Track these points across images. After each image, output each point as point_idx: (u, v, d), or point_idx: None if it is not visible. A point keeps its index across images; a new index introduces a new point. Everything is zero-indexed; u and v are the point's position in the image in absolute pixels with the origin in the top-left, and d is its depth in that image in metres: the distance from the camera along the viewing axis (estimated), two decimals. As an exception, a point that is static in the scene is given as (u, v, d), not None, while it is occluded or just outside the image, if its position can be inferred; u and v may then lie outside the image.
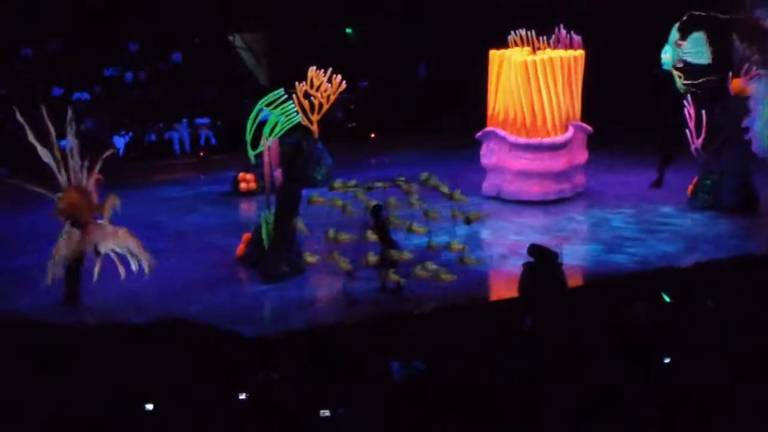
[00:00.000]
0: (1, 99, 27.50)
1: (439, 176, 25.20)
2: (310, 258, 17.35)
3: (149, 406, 9.94)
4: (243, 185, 24.05)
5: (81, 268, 16.78)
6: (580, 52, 23.32)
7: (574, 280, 17.15)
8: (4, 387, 10.75)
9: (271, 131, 19.65)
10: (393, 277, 17.03)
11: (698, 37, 22.51)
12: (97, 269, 16.53)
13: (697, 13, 22.30)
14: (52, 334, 13.03)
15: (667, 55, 22.50)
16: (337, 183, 17.56)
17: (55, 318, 15.99)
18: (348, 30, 33.74)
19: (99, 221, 16.80)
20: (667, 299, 13.04)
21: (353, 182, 17.61)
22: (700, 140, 21.76)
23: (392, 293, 17.14)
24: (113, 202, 16.89)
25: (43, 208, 17.69)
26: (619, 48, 27.34)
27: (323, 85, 24.50)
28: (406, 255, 17.19)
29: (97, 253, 16.70)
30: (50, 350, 12.13)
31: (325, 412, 9.63)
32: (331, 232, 17.10)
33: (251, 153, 21.91)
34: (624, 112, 27.31)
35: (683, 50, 22.31)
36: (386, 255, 17.09)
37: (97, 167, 17.03)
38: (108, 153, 17.59)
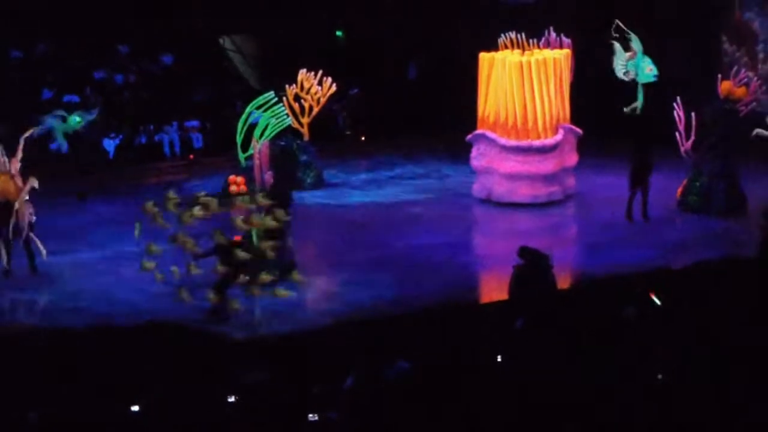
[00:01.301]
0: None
1: (430, 178, 25.51)
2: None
3: (135, 408, 9.92)
4: (233, 188, 24.00)
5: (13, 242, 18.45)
6: (566, 51, 23.37)
7: (564, 283, 17.18)
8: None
9: (262, 134, 19.65)
10: (212, 298, 16.46)
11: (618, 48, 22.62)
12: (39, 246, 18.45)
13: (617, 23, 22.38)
14: (40, 337, 13.02)
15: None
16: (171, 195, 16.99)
17: (43, 321, 16.02)
18: (338, 33, 33.73)
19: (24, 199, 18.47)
20: (657, 302, 13.07)
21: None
22: (690, 142, 21.78)
23: (214, 314, 16.49)
24: (33, 183, 18.49)
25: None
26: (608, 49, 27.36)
27: (313, 87, 24.51)
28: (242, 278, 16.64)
29: (31, 227, 18.52)
30: (39, 353, 12.13)
31: (314, 416, 9.62)
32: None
33: (241, 156, 21.93)
34: (612, 115, 27.33)
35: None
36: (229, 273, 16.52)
37: (19, 151, 18.50)
38: (27, 134, 19.16)
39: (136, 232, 16.81)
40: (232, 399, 10.33)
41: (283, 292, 16.83)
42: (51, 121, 22.51)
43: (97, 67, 29.81)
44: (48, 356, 11.87)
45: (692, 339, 11.85)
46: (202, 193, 16.99)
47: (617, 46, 22.82)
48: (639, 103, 22.70)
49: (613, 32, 22.57)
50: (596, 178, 24.40)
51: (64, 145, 23.03)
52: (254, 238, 18.03)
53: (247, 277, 16.53)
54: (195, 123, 28.58)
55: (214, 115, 29.12)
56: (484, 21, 28.68)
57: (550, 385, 10.41)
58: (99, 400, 10.27)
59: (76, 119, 22.51)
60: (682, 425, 9.91)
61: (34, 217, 18.63)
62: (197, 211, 16.49)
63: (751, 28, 27.32)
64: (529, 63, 22.54)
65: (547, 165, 22.67)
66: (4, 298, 17.86)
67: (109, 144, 27.27)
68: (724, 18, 27.48)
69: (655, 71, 22.40)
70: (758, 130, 21.42)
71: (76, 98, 28.31)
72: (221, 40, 32.82)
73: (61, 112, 22.62)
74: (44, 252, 18.55)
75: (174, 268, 16.73)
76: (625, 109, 22.85)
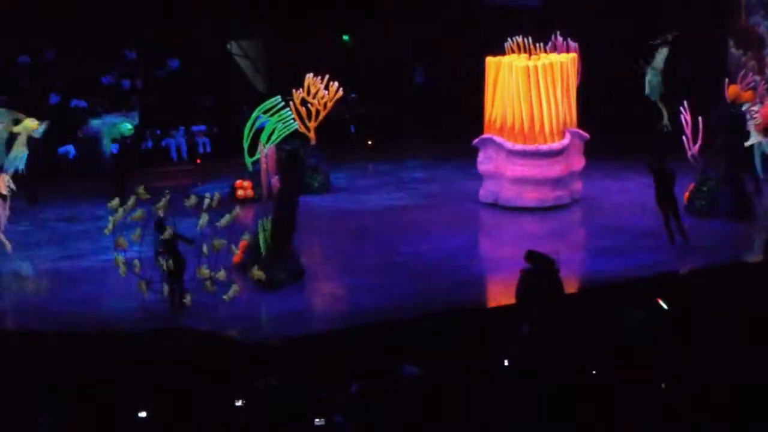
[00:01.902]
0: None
1: (437, 182, 25.53)
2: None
3: (143, 414, 9.94)
4: (240, 192, 24.06)
5: None
6: (573, 55, 23.33)
7: (571, 287, 17.16)
8: (7, 394, 10.79)
9: (268, 138, 19.66)
10: (167, 291, 16.76)
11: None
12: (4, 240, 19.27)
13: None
14: (49, 342, 13.04)
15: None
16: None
17: (52, 325, 16.03)
18: (345, 37, 33.78)
19: None
20: (664, 306, 13.07)
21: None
22: (697, 146, 21.76)
23: (174, 307, 16.71)
24: (4, 179, 19.26)
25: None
26: (615, 55, 27.36)
27: (320, 92, 24.52)
28: (205, 272, 16.90)
29: None
30: (48, 358, 12.16)
31: (321, 421, 9.63)
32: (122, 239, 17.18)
33: (248, 160, 21.94)
34: (621, 119, 27.33)
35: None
36: (169, 267, 16.80)
37: None
38: None
39: (110, 226, 17.25)
40: (239, 403, 10.34)
41: (257, 272, 17.15)
42: (99, 126, 22.69)
43: (105, 73, 29.90)
44: (56, 360, 11.89)
45: (698, 343, 11.84)
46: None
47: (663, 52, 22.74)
48: (665, 119, 22.64)
49: (660, 42, 22.50)
50: (603, 182, 24.40)
51: (109, 150, 23.25)
52: (261, 240, 18.09)
53: (210, 271, 16.82)
54: (202, 127, 28.64)
55: (220, 119, 29.17)
56: (490, 25, 28.73)
57: (557, 387, 10.42)
58: (108, 404, 10.30)
59: (127, 126, 22.64)
60: (686, 427, 9.92)
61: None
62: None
63: (758, 32, 27.31)
64: (536, 67, 22.52)
65: (554, 169, 22.65)
66: (13, 301, 17.93)
67: (116, 148, 27.29)
68: (730, 22, 27.50)
69: (647, 89, 22.38)
70: (751, 141, 21.46)
71: (83, 103, 28.42)
72: (228, 45, 32.88)
73: (111, 118, 22.83)
74: (9, 246, 19.07)
75: (136, 262, 17.03)
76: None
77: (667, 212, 19.67)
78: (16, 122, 20.21)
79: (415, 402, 10.12)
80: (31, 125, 19.90)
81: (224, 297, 16.64)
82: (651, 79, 22.64)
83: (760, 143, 21.82)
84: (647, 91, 22.48)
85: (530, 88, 22.49)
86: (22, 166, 19.77)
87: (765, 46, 27.22)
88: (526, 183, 22.61)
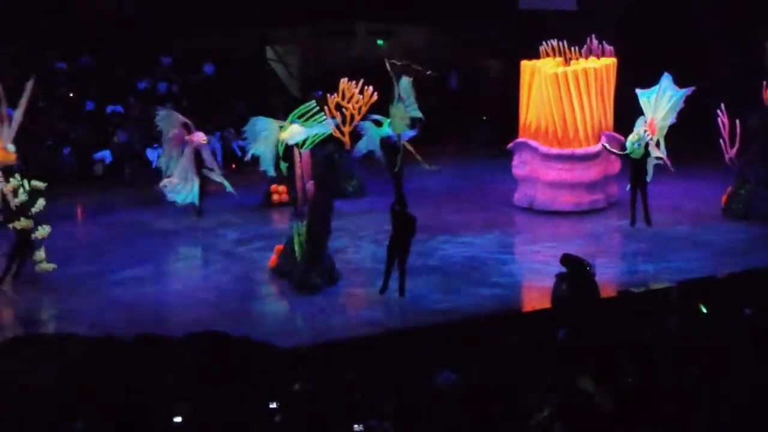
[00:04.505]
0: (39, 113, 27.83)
1: (471, 186, 25.44)
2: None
3: (178, 419, 9.96)
4: (275, 197, 24.11)
5: None
6: (611, 60, 23.20)
7: (607, 291, 17.06)
8: (40, 400, 10.84)
9: (303, 143, 19.69)
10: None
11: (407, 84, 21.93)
12: None
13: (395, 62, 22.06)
14: (85, 347, 13.10)
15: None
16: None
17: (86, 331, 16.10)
18: (379, 42, 33.78)
19: None
20: (703, 310, 12.97)
21: None
22: (734, 150, 21.63)
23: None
24: None
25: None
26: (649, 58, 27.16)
27: (354, 96, 24.51)
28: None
29: None
30: (84, 362, 12.21)
31: (359, 426, 9.60)
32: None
33: (283, 165, 22.02)
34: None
35: (407, 105, 21.77)
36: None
37: None
38: None
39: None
40: (273, 405, 10.33)
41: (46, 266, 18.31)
42: (369, 127, 22.59)
43: (140, 78, 30.06)
44: (91, 365, 11.95)
45: (738, 347, 11.74)
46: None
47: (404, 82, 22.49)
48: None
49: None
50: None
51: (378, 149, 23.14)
52: (296, 245, 18.11)
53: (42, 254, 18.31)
54: (238, 132, 28.72)
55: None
56: (526, 28, 28.67)
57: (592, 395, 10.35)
58: (143, 410, 10.33)
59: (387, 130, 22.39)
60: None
61: None
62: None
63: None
64: (565, 74, 22.39)
65: (590, 173, 22.56)
66: (47, 306, 18.02)
67: (152, 153, 27.45)
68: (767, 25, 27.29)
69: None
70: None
71: (119, 108, 28.58)
72: (264, 50, 33.02)
73: (376, 117, 22.67)
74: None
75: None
76: None
77: (397, 257, 17.50)
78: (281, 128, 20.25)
79: (452, 408, 10.09)
80: (297, 131, 19.55)
81: (36, 268, 18.21)
82: (395, 113, 22.05)
83: None
84: (390, 127, 22.22)
85: (560, 94, 22.38)
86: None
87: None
88: (561, 187, 22.53)
